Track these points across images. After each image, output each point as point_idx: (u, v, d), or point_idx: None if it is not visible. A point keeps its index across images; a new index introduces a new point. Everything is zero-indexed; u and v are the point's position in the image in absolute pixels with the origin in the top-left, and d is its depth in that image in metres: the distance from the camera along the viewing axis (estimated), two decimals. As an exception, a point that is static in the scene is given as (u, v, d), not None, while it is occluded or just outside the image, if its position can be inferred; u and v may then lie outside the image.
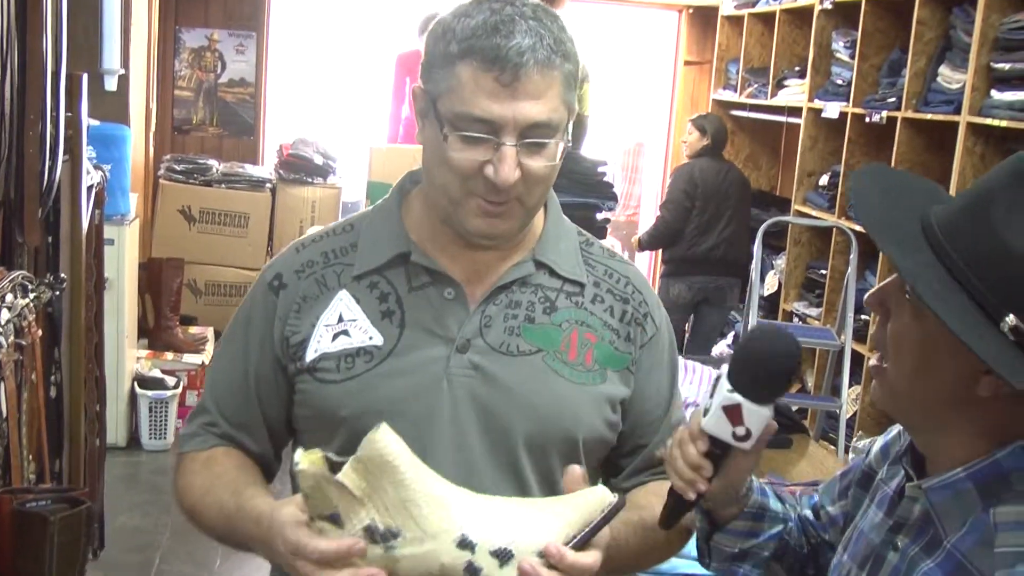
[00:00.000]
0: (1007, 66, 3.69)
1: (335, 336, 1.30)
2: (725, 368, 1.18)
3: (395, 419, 1.26)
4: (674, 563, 1.79)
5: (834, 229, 4.86)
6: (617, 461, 1.43)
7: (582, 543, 1.11)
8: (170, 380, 4.76)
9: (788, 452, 2.72)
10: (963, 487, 1.03)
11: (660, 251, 5.97)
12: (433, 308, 1.30)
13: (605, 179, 3.89)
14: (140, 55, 5.32)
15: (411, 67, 5.23)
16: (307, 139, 6.10)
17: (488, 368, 1.29)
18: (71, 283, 2.96)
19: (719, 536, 1.30)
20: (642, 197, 7.73)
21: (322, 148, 6.10)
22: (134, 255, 4.73)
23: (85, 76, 3.00)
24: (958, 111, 3.91)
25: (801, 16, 5.59)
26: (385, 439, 1.04)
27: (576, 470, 1.18)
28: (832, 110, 4.94)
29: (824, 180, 5.18)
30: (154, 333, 5.24)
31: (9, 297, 2.34)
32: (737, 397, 1.15)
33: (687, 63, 7.02)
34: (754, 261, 4.78)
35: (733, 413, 1.15)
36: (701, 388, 2.54)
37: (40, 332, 2.56)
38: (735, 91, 6.31)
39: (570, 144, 1.27)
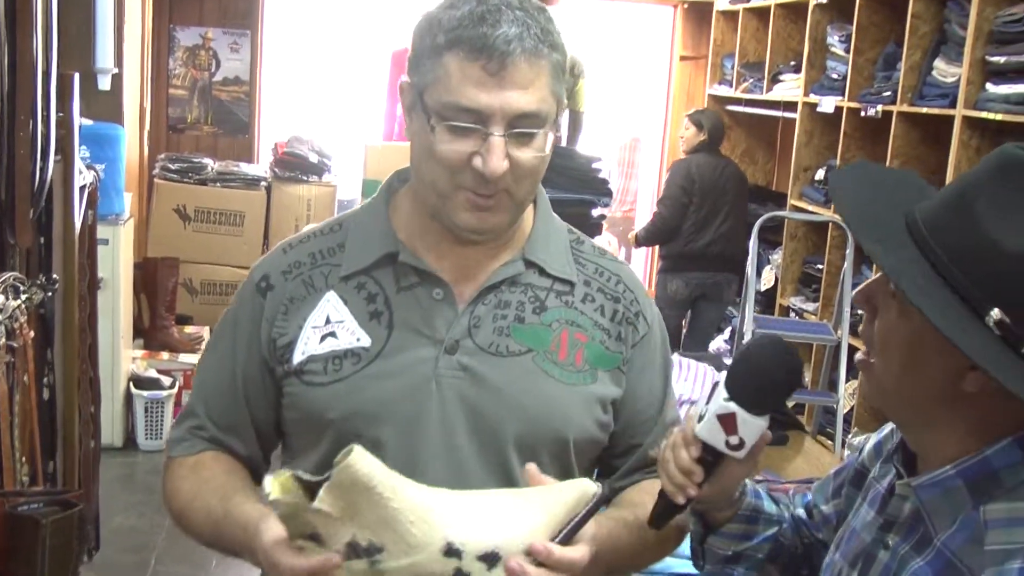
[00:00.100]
0: (1002, 59, 3.69)
1: (322, 338, 1.28)
2: (724, 375, 1.17)
3: (383, 421, 1.26)
4: (669, 563, 1.78)
5: (830, 224, 4.85)
6: (611, 461, 1.42)
7: (568, 537, 1.11)
8: (166, 380, 4.75)
9: (784, 449, 2.71)
10: (952, 485, 1.03)
11: (657, 247, 5.96)
12: (421, 309, 1.29)
13: (600, 175, 3.88)
14: (134, 54, 5.31)
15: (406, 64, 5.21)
16: (302, 137, 6.08)
17: (477, 369, 1.28)
18: (64, 284, 2.95)
19: (713, 539, 1.29)
20: (638, 193, 7.72)
21: (317, 146, 6.09)
22: (129, 255, 4.72)
23: (77, 76, 2.99)
24: (953, 104, 3.90)
25: (796, 10, 5.59)
26: (359, 463, 1.02)
27: (533, 468, 1.18)
28: (827, 104, 4.93)
29: (820, 175, 5.18)
30: (150, 333, 5.23)
31: (0, 299, 2.33)
32: (732, 406, 1.14)
33: (682, 58, 7.01)
34: (750, 256, 4.77)
35: (727, 421, 1.14)
36: (696, 385, 2.53)
37: (32, 333, 2.55)
38: (730, 86, 6.30)
39: (559, 135, 1.26)
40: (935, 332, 0.95)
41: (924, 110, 4.14)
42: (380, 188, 1.38)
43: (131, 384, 4.67)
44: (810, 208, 5.09)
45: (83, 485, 3.05)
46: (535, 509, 1.11)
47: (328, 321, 1.29)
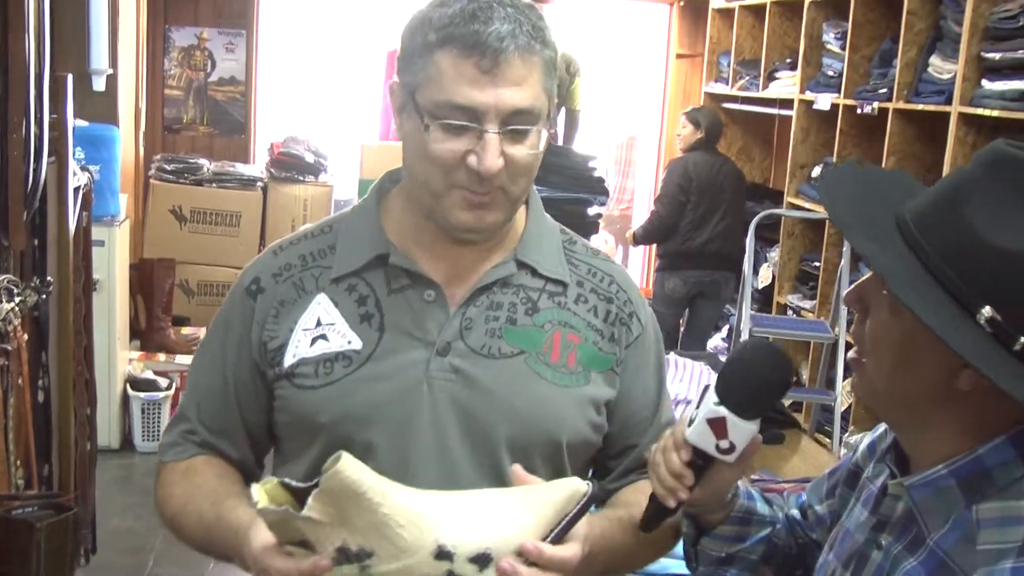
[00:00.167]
0: (997, 56, 3.69)
1: (313, 341, 1.28)
2: (714, 379, 1.16)
3: (374, 424, 1.25)
4: (664, 563, 1.78)
5: (827, 221, 4.84)
6: (606, 463, 1.41)
7: (560, 536, 1.10)
8: (162, 381, 4.75)
9: (781, 448, 2.71)
10: (945, 484, 1.02)
11: (655, 245, 5.96)
12: (412, 311, 1.29)
13: (596, 174, 3.87)
14: (129, 55, 5.30)
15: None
16: (298, 137, 6.07)
17: (469, 371, 1.27)
18: (58, 286, 2.94)
19: (706, 541, 1.29)
20: (635, 191, 7.71)
21: (313, 146, 6.08)
22: (125, 256, 4.71)
23: (70, 77, 2.98)
24: (949, 101, 3.90)
25: (791, 8, 5.58)
26: (347, 470, 1.01)
27: (518, 469, 1.18)
28: (823, 102, 4.93)
29: (816, 172, 5.17)
30: (146, 334, 5.22)
31: (-7, 301, 2.33)
32: (723, 410, 1.13)
33: (679, 56, 7.00)
34: (747, 254, 4.77)
35: (717, 426, 1.14)
36: (691, 385, 2.53)
37: (26, 336, 2.55)
38: (727, 84, 6.30)
39: (554, 132, 1.26)
40: (927, 331, 0.94)
41: (920, 107, 4.14)
42: (371, 189, 1.38)
43: (128, 386, 4.66)
44: (807, 205, 5.09)
45: (79, 488, 3.05)
46: (526, 509, 1.10)
47: (319, 324, 1.29)
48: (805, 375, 5.16)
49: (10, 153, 2.50)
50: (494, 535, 1.07)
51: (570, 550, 1.11)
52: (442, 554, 1.03)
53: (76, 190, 3.11)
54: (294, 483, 1.04)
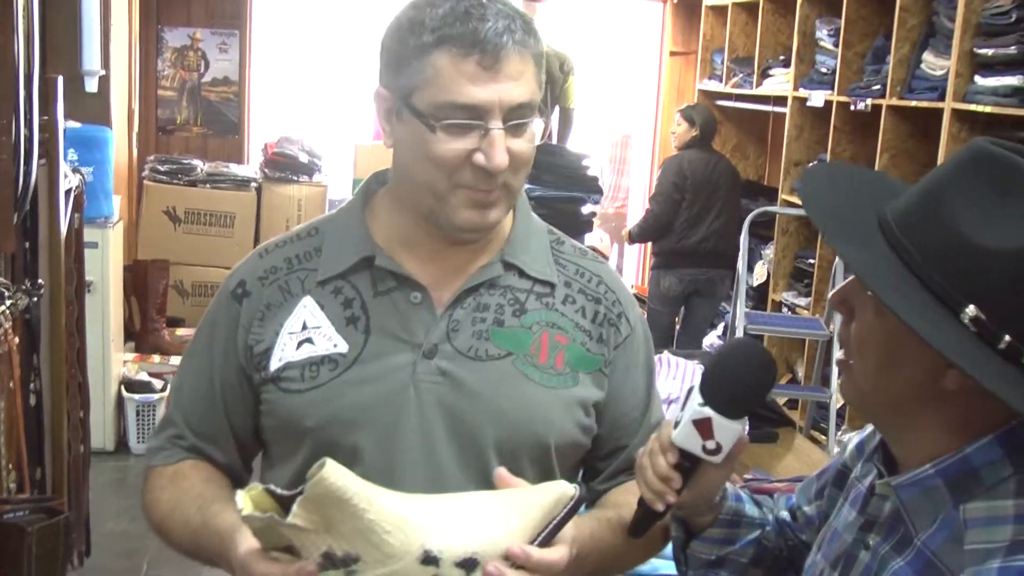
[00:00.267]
0: (990, 51, 3.68)
1: (299, 344, 1.27)
2: (698, 380, 1.16)
3: (361, 428, 1.25)
4: (655, 564, 1.77)
5: (821, 218, 4.83)
6: (596, 464, 1.41)
7: (547, 540, 1.10)
8: (157, 383, 4.73)
9: (774, 447, 2.70)
10: (932, 484, 1.01)
11: (650, 244, 5.95)
12: (399, 313, 1.28)
13: (590, 172, 3.87)
14: (121, 56, 5.29)
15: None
16: (292, 137, 6.07)
17: (456, 374, 1.26)
18: (50, 288, 2.93)
19: (695, 544, 1.28)
20: (630, 189, 7.71)
21: (307, 146, 6.07)
22: (119, 257, 4.70)
23: (61, 79, 2.97)
24: (942, 97, 3.90)
25: (784, 5, 5.58)
26: (331, 477, 1.00)
27: (503, 472, 1.17)
28: (817, 99, 4.93)
29: (811, 169, 5.17)
30: (140, 336, 5.21)
31: (-17, 305, 2.32)
32: (708, 411, 1.13)
33: (672, 54, 7.00)
34: (741, 251, 4.76)
35: (703, 426, 1.13)
36: (684, 384, 2.52)
37: (17, 339, 2.54)
38: (721, 81, 6.29)
39: (548, 126, 1.26)
40: (911, 332, 0.94)
41: (913, 103, 4.14)
42: (357, 191, 1.37)
43: (122, 387, 4.65)
44: (801, 202, 5.08)
45: (72, 491, 3.04)
46: (513, 513, 1.10)
47: (305, 327, 1.28)
48: (800, 372, 5.16)
49: (0, 155, 2.50)
50: (481, 539, 1.06)
51: (557, 553, 1.11)
52: (428, 559, 1.03)
53: (68, 192, 3.10)
54: (279, 490, 1.03)
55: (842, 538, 1.13)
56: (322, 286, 1.30)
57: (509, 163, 1.20)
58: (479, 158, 1.19)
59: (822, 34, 5.06)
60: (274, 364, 1.28)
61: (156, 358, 5.02)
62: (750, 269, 5.42)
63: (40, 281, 2.77)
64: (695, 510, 1.25)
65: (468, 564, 1.05)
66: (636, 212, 6.97)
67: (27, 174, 2.63)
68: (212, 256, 5.67)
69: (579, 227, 3.78)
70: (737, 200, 5.59)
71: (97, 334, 4.18)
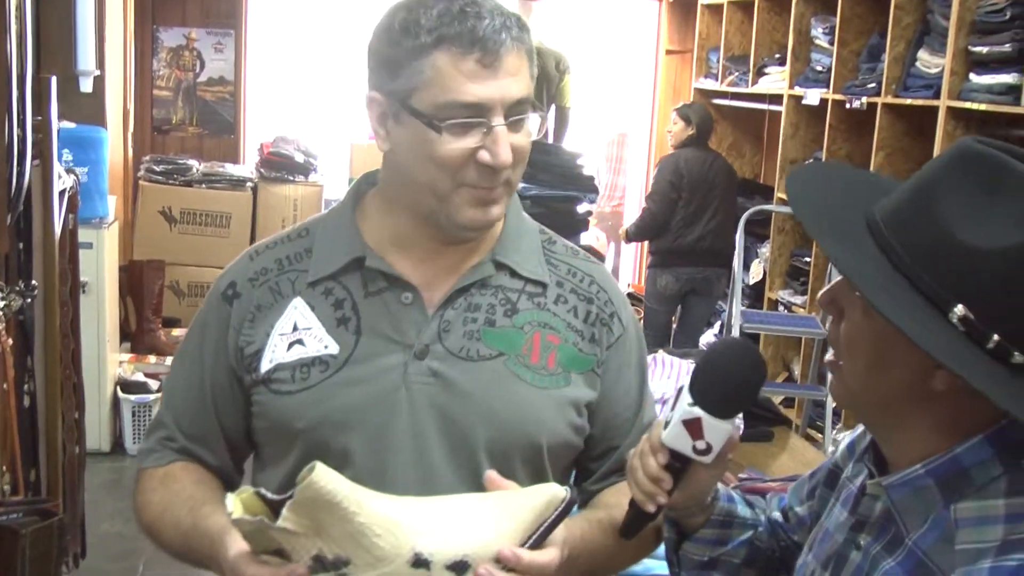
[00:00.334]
0: (985, 49, 3.69)
1: (290, 345, 1.27)
2: (687, 380, 1.16)
3: (352, 429, 1.24)
4: (648, 564, 1.76)
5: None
6: (588, 464, 1.40)
7: (538, 542, 1.10)
8: (153, 384, 4.72)
9: (769, 446, 2.70)
10: (923, 484, 1.01)
11: (647, 242, 5.95)
12: (390, 314, 1.28)
13: (585, 171, 3.87)
14: (116, 56, 5.28)
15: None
16: (287, 137, 6.06)
17: (447, 374, 1.26)
18: (44, 289, 2.93)
19: (687, 545, 1.28)
20: (627, 188, 7.71)
21: (303, 145, 6.07)
22: (114, 258, 4.70)
23: (54, 79, 2.97)
24: (937, 95, 3.90)
25: (780, 3, 5.58)
26: (321, 480, 1.00)
27: (493, 475, 1.18)
28: (813, 97, 4.93)
29: (807, 167, 5.17)
30: (136, 336, 5.20)
31: (-24, 307, 2.31)
32: (697, 411, 1.13)
33: (668, 52, 7.00)
34: (737, 250, 4.76)
35: (693, 427, 1.13)
36: (677, 383, 2.52)
37: (11, 340, 2.53)
38: (716, 80, 6.29)
39: (542, 113, 1.27)
40: (899, 332, 0.94)
41: (908, 101, 4.14)
42: (347, 192, 1.37)
43: (118, 388, 4.64)
44: (797, 201, 5.08)
45: (68, 492, 3.03)
46: (504, 515, 1.10)
47: (295, 328, 1.27)
48: (797, 371, 5.16)
49: (-7, 156, 2.49)
50: (471, 542, 1.06)
51: (548, 555, 1.10)
52: (419, 562, 1.03)
53: (62, 193, 3.09)
54: (269, 494, 1.03)
55: (833, 538, 1.13)
56: (313, 287, 1.30)
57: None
58: (484, 156, 1.19)
59: (817, 32, 5.06)
60: (265, 366, 1.27)
61: (152, 359, 5.01)
62: (746, 267, 5.42)
63: (34, 282, 2.76)
64: (687, 511, 1.25)
65: (459, 567, 1.04)
66: (632, 211, 6.97)
67: (20, 175, 2.62)
68: (208, 256, 5.66)
69: (575, 226, 3.77)
70: (733, 198, 5.59)
71: (93, 335, 4.17)
